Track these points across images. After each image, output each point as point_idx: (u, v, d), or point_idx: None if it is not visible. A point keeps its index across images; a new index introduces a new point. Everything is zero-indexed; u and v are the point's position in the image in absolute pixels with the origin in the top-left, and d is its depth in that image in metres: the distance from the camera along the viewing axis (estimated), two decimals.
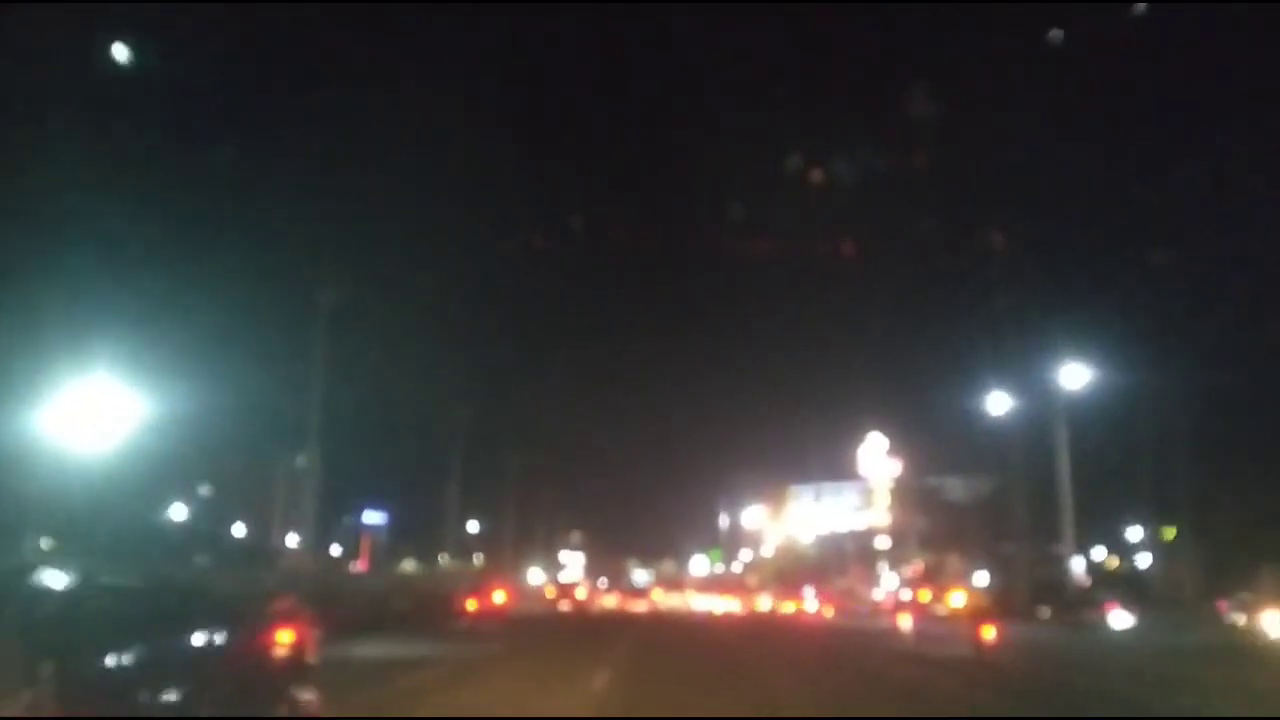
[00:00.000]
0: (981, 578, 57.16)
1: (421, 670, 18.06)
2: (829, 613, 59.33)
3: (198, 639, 6.63)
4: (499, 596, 42.84)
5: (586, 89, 77.15)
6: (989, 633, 24.06)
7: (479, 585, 44.05)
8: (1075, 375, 39.44)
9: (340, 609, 22.96)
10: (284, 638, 8.46)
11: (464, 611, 37.67)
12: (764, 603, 75.55)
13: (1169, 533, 50.92)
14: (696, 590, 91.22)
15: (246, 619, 8.09)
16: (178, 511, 54.42)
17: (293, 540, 69.60)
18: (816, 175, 45.35)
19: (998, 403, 44.19)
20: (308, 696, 7.77)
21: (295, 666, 8.20)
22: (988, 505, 57.75)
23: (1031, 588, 45.07)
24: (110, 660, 5.45)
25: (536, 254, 50.67)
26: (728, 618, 61.91)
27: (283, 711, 7.44)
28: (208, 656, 6.64)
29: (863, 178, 45.09)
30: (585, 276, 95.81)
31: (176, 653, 6.26)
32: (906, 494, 73.36)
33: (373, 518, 69.42)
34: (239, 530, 55.15)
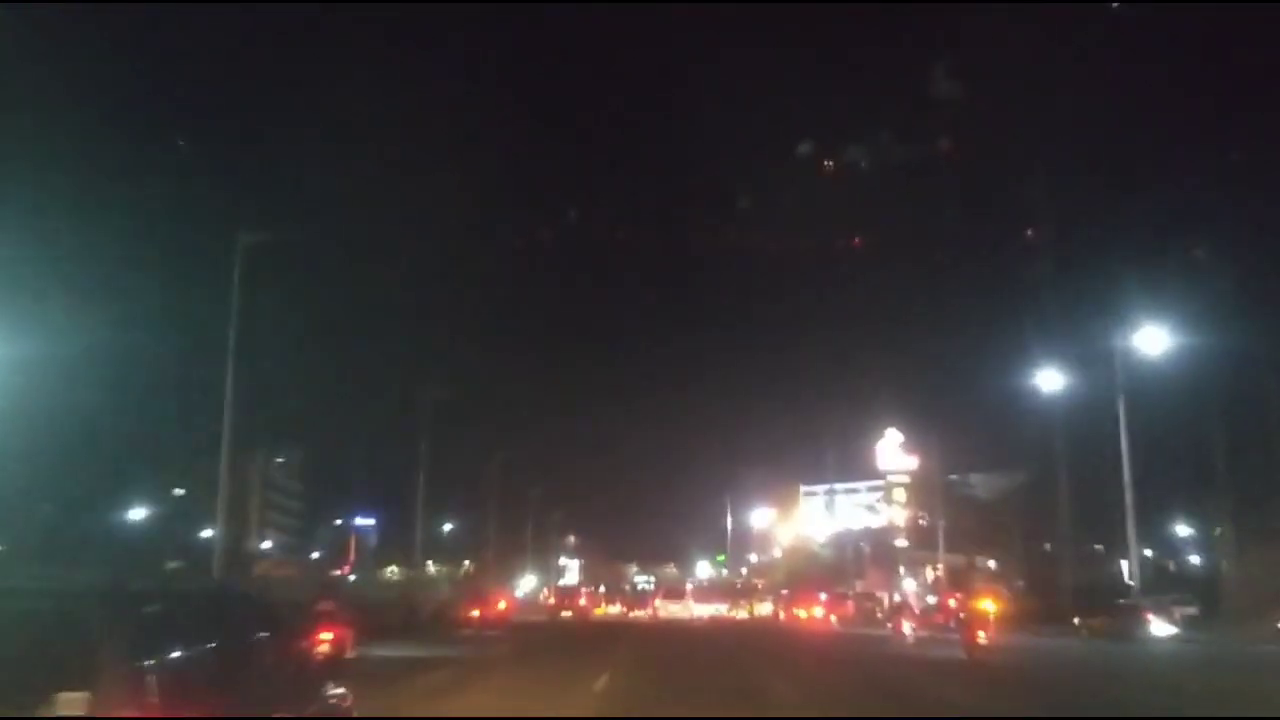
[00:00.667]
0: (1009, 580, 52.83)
1: (436, 671, 19.99)
2: (833, 619, 56.79)
3: (252, 638, 7.13)
4: (501, 604, 45.22)
5: (594, 80, 74.82)
6: (983, 636, 26.10)
7: (480, 593, 46.48)
8: (1150, 342, 34.32)
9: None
10: (325, 638, 10.33)
11: (468, 619, 40.19)
12: (765, 608, 72.95)
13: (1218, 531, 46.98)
14: (699, 597, 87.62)
15: (292, 621, 8.66)
16: (146, 514, 50.75)
17: (268, 544, 66.45)
18: (828, 166, 42.40)
19: (1047, 381, 39.34)
20: (339, 692, 8.12)
21: (334, 664, 9.79)
22: (1018, 502, 53.29)
23: (1073, 591, 40.62)
24: (188, 658, 6.07)
25: (538, 245, 48.71)
26: (730, 623, 60.31)
27: (317, 707, 7.78)
28: (261, 655, 7.16)
29: (876, 167, 42.05)
30: (588, 268, 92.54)
31: (236, 651, 6.77)
32: (924, 491, 69.29)
33: (360, 523, 66.37)
34: (208, 534, 51.45)
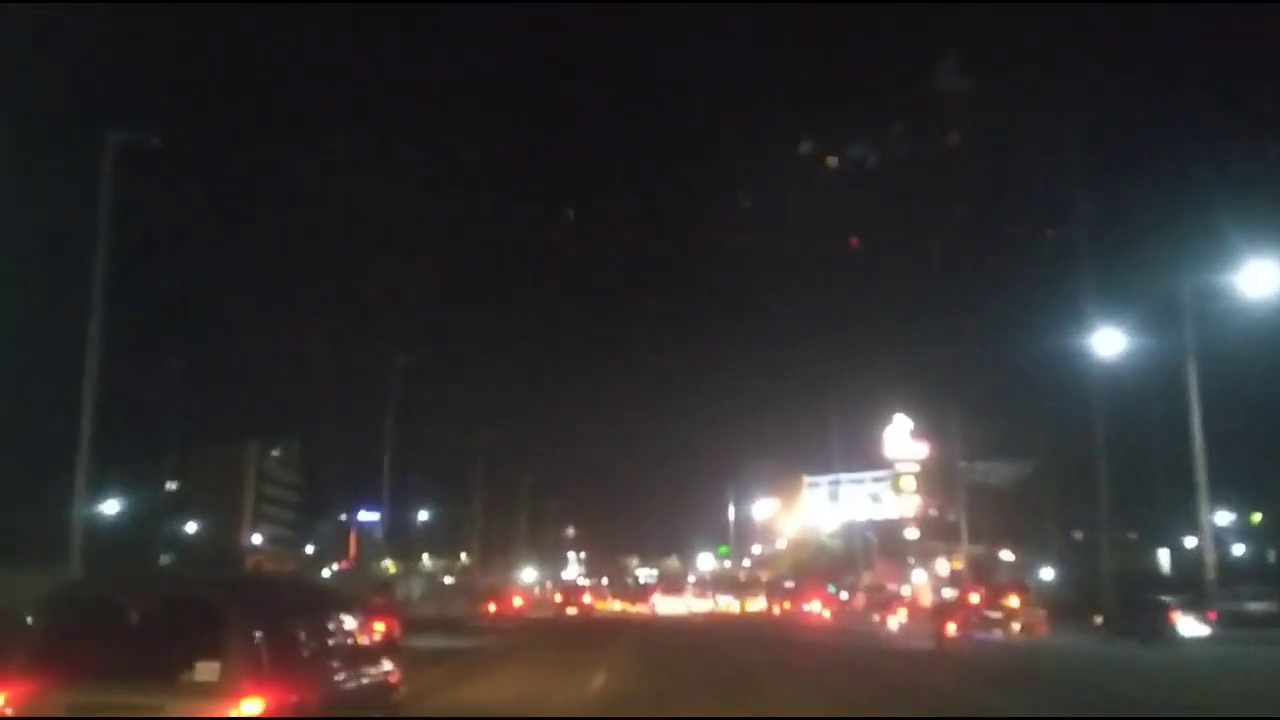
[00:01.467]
0: (1047, 572, 50.84)
1: (465, 656, 24.09)
2: (827, 614, 56.62)
3: (330, 619, 8.78)
4: (517, 600, 49.30)
5: (596, 77, 73.26)
6: (951, 628, 28.95)
7: (497, 590, 49.51)
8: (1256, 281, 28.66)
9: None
10: (379, 625, 14.86)
11: (485, 614, 42.18)
12: (760, 603, 72.76)
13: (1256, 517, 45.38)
14: (700, 590, 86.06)
15: (354, 610, 9.96)
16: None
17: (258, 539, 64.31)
18: (827, 155, 41.07)
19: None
20: (390, 667, 9.69)
21: (386, 646, 12.34)
22: (1043, 488, 50.96)
23: (1115, 584, 38.02)
24: (287, 633, 7.64)
25: (540, 235, 48.00)
26: (726, 618, 60.80)
27: (372, 677, 9.19)
28: (334, 632, 8.73)
29: (881, 150, 40.31)
30: (589, 256, 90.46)
31: (320, 628, 8.41)
32: (935, 479, 67.29)
33: (364, 518, 64.51)
34: (191, 527, 49.41)
